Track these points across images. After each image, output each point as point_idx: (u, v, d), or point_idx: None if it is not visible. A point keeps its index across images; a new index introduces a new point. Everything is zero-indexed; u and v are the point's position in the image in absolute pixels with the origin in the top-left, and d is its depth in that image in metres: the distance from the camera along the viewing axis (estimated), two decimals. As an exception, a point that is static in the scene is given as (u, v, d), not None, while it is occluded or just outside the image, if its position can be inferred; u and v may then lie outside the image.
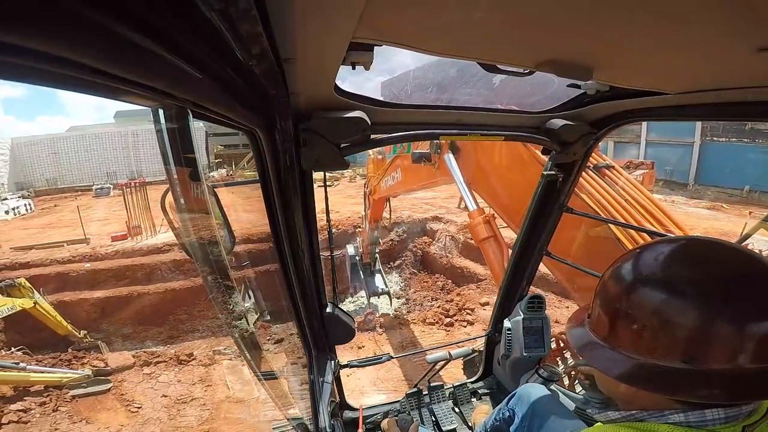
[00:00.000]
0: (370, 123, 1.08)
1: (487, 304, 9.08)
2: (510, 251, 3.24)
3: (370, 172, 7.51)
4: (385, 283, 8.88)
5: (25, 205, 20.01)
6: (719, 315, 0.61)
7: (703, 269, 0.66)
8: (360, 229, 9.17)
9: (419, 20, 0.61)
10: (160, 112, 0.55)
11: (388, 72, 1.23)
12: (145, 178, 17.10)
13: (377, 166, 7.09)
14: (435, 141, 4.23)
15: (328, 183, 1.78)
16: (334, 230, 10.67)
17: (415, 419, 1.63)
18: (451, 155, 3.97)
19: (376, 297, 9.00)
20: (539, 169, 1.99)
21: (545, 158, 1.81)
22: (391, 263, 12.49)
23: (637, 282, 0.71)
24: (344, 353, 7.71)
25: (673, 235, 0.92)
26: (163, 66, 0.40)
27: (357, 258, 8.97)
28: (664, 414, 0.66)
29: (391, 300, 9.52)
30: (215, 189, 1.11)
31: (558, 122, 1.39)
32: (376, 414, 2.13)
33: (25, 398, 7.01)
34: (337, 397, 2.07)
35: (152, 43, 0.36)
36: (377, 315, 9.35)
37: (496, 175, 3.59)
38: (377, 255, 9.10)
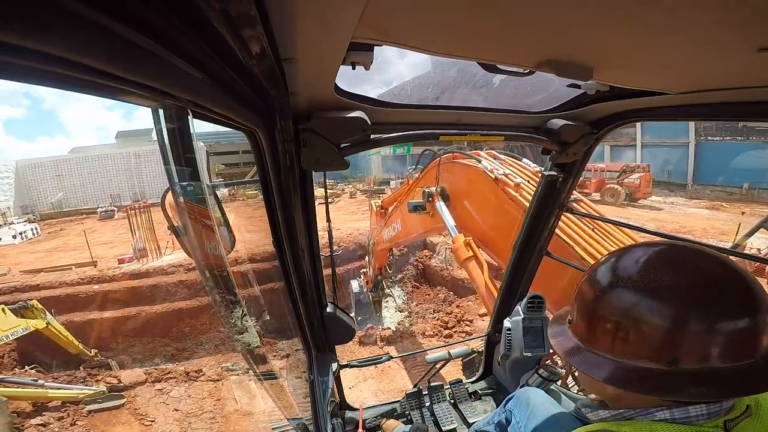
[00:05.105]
0: (370, 123, 1.08)
1: (486, 315, 9.15)
2: (487, 270, 3.54)
3: (372, 224, 8.29)
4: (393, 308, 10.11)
5: (32, 229, 20.17)
6: (694, 318, 0.63)
7: (681, 274, 0.68)
8: (363, 271, 10.11)
9: (419, 20, 0.61)
10: (160, 112, 0.55)
11: (387, 72, 1.23)
12: (147, 200, 17.20)
13: (380, 218, 7.66)
14: (426, 191, 4.67)
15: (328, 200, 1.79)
16: (336, 248, 11.25)
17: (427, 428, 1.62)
18: (442, 203, 4.44)
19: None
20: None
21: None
22: (393, 277, 12.66)
23: (616, 286, 0.72)
24: (344, 354, 7.79)
25: (649, 240, 0.93)
26: (163, 66, 0.40)
27: (361, 296, 9.98)
28: (651, 412, 0.69)
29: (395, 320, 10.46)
30: (215, 189, 1.11)
31: (558, 122, 1.39)
32: (376, 414, 2.13)
33: (43, 413, 7.24)
34: (337, 397, 2.07)
35: (152, 43, 0.36)
36: (379, 329, 9.79)
37: (481, 219, 4.11)
38: (380, 297, 10.19)
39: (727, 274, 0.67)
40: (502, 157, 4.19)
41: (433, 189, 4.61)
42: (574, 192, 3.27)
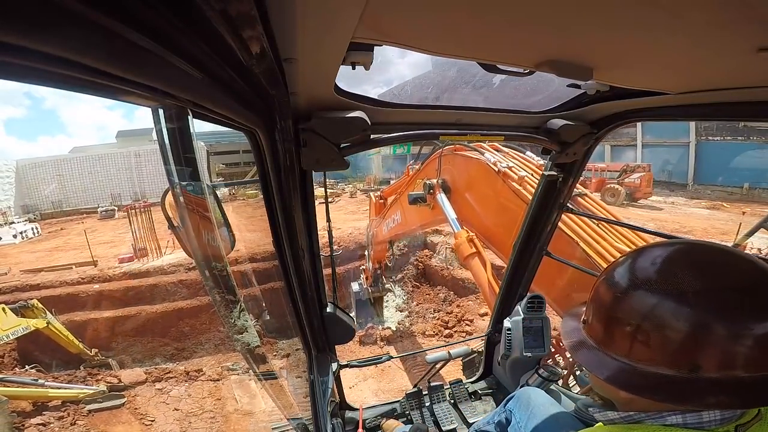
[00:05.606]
0: (370, 123, 1.08)
1: (486, 314, 9.21)
2: (490, 267, 3.47)
3: (372, 215, 8.07)
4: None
5: (32, 228, 20.14)
6: (723, 324, 0.60)
7: (705, 275, 0.64)
8: (363, 267, 10.04)
9: (419, 20, 0.61)
10: (160, 112, 0.55)
11: (387, 72, 1.23)
12: (148, 199, 17.26)
13: (378, 209, 7.50)
14: (428, 183, 4.54)
15: (329, 200, 1.79)
16: (336, 248, 11.23)
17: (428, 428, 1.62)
18: (443, 194, 4.33)
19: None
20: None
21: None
22: (393, 277, 12.65)
23: (636, 288, 0.68)
24: (344, 354, 7.83)
25: (668, 239, 0.91)
26: (163, 66, 0.40)
27: (361, 293, 9.89)
28: (662, 415, 0.67)
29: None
30: (215, 188, 1.11)
31: (558, 122, 1.39)
32: (376, 414, 2.13)
33: (44, 413, 7.26)
34: (337, 397, 2.07)
35: (152, 43, 0.36)
36: (379, 329, 9.76)
37: (484, 213, 3.99)
38: (381, 293, 10.12)
39: (755, 274, 0.63)
40: (506, 150, 4.05)
41: (434, 181, 4.48)
42: (578, 187, 3.26)
